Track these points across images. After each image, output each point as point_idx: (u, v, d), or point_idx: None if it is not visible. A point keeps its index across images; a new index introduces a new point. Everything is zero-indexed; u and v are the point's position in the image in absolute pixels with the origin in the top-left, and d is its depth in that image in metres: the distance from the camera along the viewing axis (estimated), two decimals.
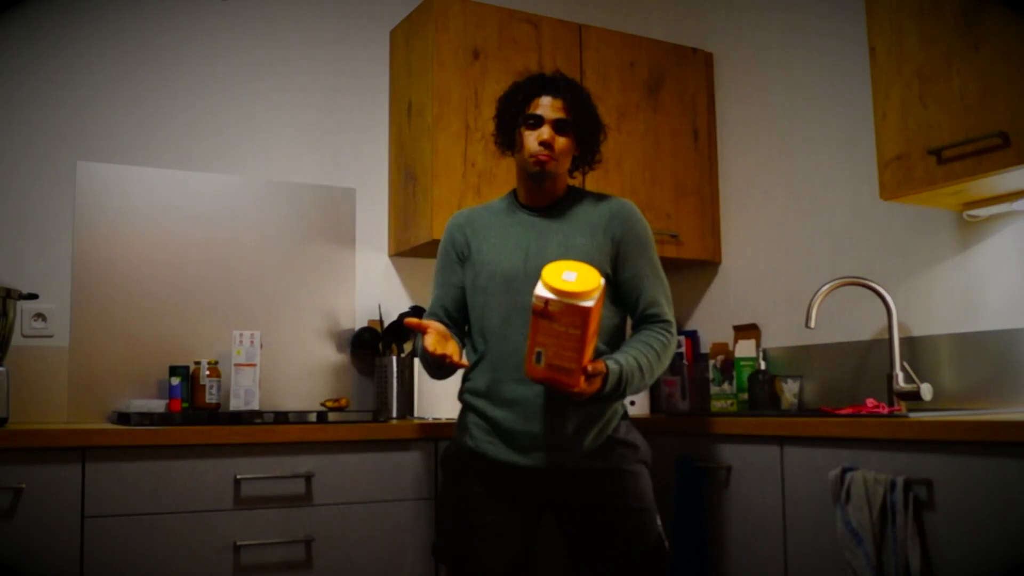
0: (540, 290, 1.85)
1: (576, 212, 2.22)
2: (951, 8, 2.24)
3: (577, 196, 2.26)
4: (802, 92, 3.12)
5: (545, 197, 2.23)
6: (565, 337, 1.85)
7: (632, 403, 3.00)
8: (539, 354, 1.88)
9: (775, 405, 3.00)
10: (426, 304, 3.14)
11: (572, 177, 2.28)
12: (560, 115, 2.14)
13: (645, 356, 2.10)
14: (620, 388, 2.04)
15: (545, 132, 2.13)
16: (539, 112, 2.14)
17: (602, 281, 1.88)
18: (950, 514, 1.89)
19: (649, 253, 2.22)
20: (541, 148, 2.13)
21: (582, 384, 1.92)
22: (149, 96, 2.94)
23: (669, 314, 2.19)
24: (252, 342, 2.80)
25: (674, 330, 2.18)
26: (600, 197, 2.26)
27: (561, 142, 2.15)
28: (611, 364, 2.02)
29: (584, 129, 2.18)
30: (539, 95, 2.16)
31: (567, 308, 1.83)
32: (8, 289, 2.43)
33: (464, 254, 2.23)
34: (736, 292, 3.33)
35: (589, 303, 1.83)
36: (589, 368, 1.93)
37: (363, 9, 3.28)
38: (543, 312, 1.84)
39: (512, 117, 2.19)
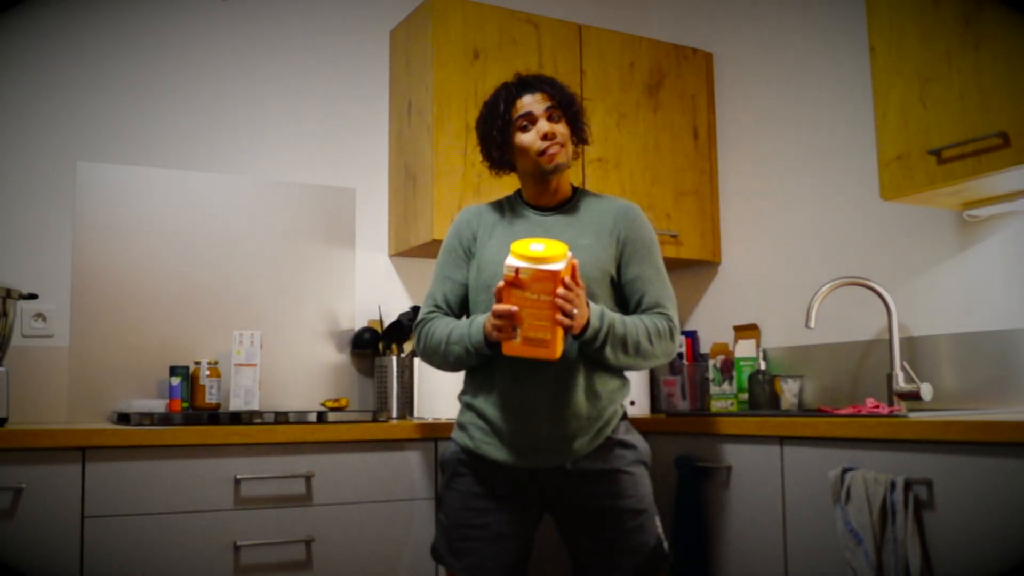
0: (510, 260, 1.91)
1: (582, 213, 2.22)
2: (951, 8, 2.24)
3: (582, 197, 2.26)
4: (802, 92, 3.12)
5: (551, 197, 2.23)
6: (537, 305, 1.91)
7: (632, 403, 3.00)
8: (514, 329, 1.94)
9: (775, 405, 3.00)
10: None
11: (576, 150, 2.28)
12: (548, 103, 2.15)
13: (632, 320, 2.09)
14: (603, 323, 2.02)
15: (544, 125, 2.14)
16: (528, 110, 2.15)
17: (570, 253, 1.93)
18: (950, 514, 1.89)
19: (654, 256, 2.22)
20: (546, 142, 2.14)
21: (558, 354, 1.94)
22: (149, 96, 2.94)
23: (672, 313, 2.18)
24: (252, 342, 2.80)
25: (676, 326, 2.17)
26: (605, 199, 2.27)
27: (561, 129, 2.16)
28: (591, 303, 2.03)
29: (570, 109, 2.19)
30: (518, 98, 2.16)
31: (537, 274, 1.89)
32: (8, 289, 2.43)
33: (471, 250, 2.23)
34: (736, 292, 3.33)
35: (559, 266, 1.89)
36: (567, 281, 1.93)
37: (363, 9, 3.28)
38: (514, 281, 1.90)
39: (502, 130, 2.17)
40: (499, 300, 1.95)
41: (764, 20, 3.28)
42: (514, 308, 1.91)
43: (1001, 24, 2.14)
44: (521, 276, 1.89)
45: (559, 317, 1.92)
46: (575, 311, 1.93)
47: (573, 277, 1.94)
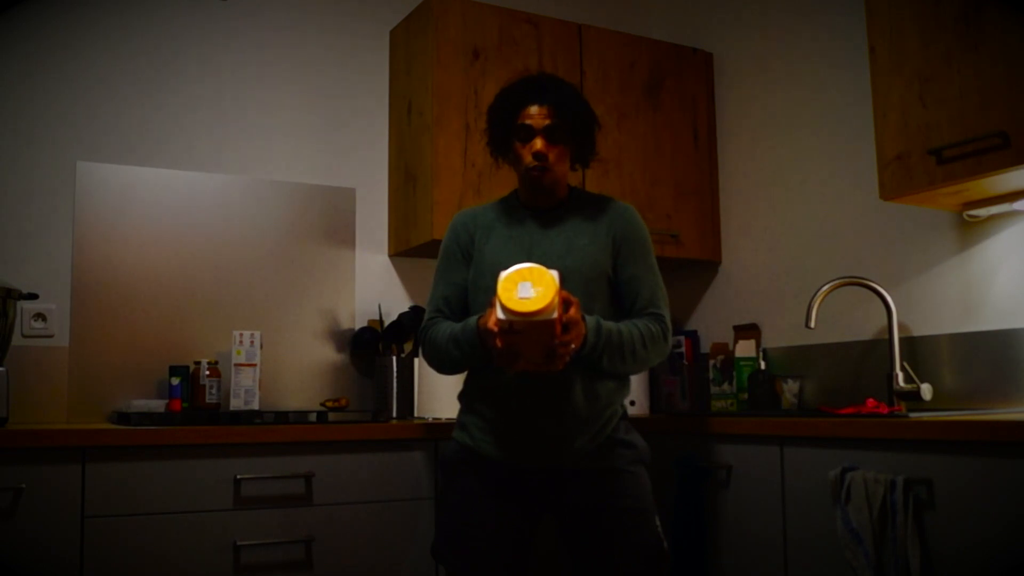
0: (501, 312, 1.85)
1: (578, 214, 2.22)
2: (951, 8, 2.24)
3: (579, 198, 2.26)
4: (802, 92, 3.11)
5: (547, 199, 2.23)
6: (537, 343, 1.88)
7: (632, 403, 3.00)
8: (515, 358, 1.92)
9: (775, 405, 3.00)
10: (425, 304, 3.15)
11: (574, 169, 2.27)
12: (549, 122, 2.12)
13: (627, 328, 2.09)
14: (599, 338, 2.03)
15: (537, 143, 2.12)
16: (528, 123, 2.12)
17: (557, 278, 1.86)
18: (950, 514, 1.90)
19: (648, 257, 2.22)
20: (535, 161, 2.13)
21: (562, 366, 1.94)
22: (149, 96, 2.94)
23: (665, 314, 2.19)
24: (252, 342, 2.80)
25: (668, 327, 2.17)
26: (601, 199, 2.27)
27: (554, 150, 2.14)
28: (586, 317, 2.02)
29: (576, 131, 2.17)
30: (526, 104, 2.13)
31: (533, 326, 1.84)
32: (8, 289, 2.43)
33: (469, 252, 2.23)
34: (736, 292, 3.33)
35: (553, 315, 1.83)
36: (563, 318, 1.91)
37: (363, 9, 3.28)
38: (509, 331, 1.86)
39: (503, 129, 2.18)
40: (492, 331, 1.90)
41: (764, 20, 3.28)
42: (515, 352, 1.89)
43: (1001, 24, 2.14)
44: (516, 328, 1.85)
45: (560, 353, 1.91)
46: (573, 346, 1.94)
47: (564, 302, 1.90)
